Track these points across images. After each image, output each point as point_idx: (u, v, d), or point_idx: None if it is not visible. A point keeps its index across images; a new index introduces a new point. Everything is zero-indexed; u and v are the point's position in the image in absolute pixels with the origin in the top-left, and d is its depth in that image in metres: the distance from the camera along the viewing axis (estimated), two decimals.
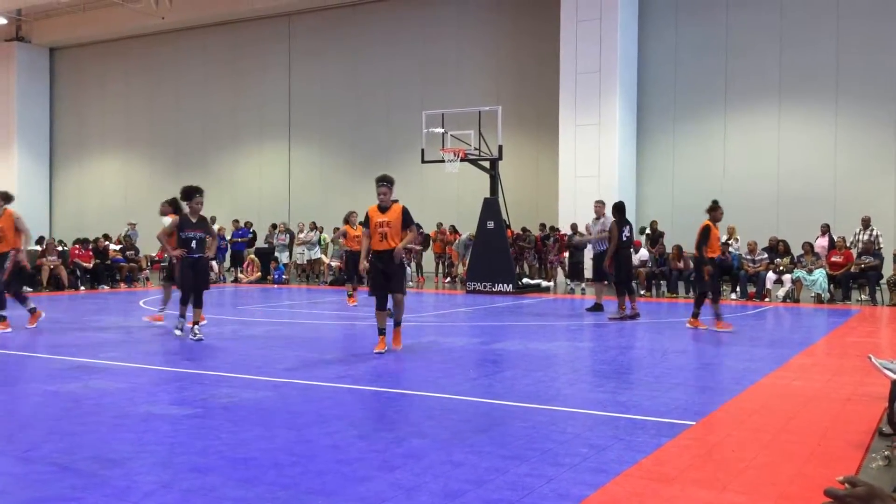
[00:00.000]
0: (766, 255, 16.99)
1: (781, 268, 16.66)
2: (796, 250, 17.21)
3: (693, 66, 21.85)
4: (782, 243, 17.30)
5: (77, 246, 20.00)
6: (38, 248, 20.79)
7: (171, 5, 27.97)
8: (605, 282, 13.63)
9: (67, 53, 32.70)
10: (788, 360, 8.30)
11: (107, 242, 21.83)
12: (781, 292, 16.36)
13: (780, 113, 20.93)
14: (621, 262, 12.74)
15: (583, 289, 18.73)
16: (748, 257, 17.03)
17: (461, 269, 20.73)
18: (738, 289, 17.01)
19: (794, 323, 12.88)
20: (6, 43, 31.51)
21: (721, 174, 21.48)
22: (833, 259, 16.34)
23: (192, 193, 9.85)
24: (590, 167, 21.52)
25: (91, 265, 19.74)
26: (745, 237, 17.78)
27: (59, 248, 20.39)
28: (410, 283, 20.84)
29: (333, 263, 21.82)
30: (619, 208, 12.87)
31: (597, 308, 13.70)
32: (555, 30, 22.29)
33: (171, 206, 11.23)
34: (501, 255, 18.06)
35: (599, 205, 13.94)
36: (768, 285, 16.57)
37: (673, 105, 22.14)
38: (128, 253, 21.54)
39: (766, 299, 16.38)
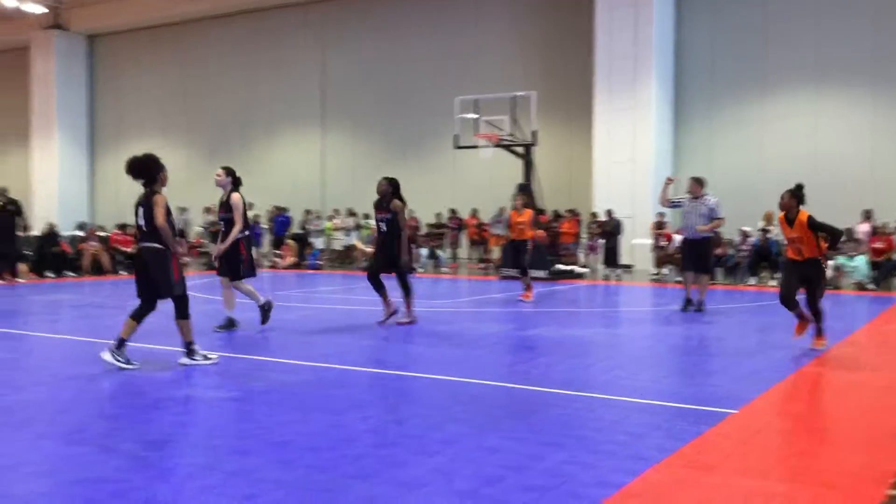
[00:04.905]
0: None
1: None
2: None
3: (730, 49, 21.50)
4: None
5: (117, 231, 20.32)
6: (80, 233, 21.18)
7: None
8: (709, 275, 11.87)
9: (105, 41, 33.09)
10: (829, 348, 8.17)
11: None
12: None
13: (817, 97, 20.54)
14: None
15: (618, 275, 18.61)
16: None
17: (497, 253, 20.62)
18: (777, 275, 16.76)
19: (835, 310, 12.64)
20: (45, 31, 31.97)
21: (759, 159, 21.15)
22: (875, 245, 16.02)
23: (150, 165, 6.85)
24: (625, 152, 21.32)
25: (132, 250, 20.06)
26: None
27: (100, 234, 20.73)
28: (445, 269, 20.87)
29: (368, 249, 21.91)
30: (396, 185, 9.98)
31: (690, 304, 11.38)
32: (590, 14, 22.06)
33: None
34: (535, 242, 17.92)
35: (696, 183, 11.36)
36: None
37: (710, 89, 21.82)
38: None
39: None
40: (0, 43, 33.50)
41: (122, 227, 20.75)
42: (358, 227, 23.19)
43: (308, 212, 24.38)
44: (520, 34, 24.76)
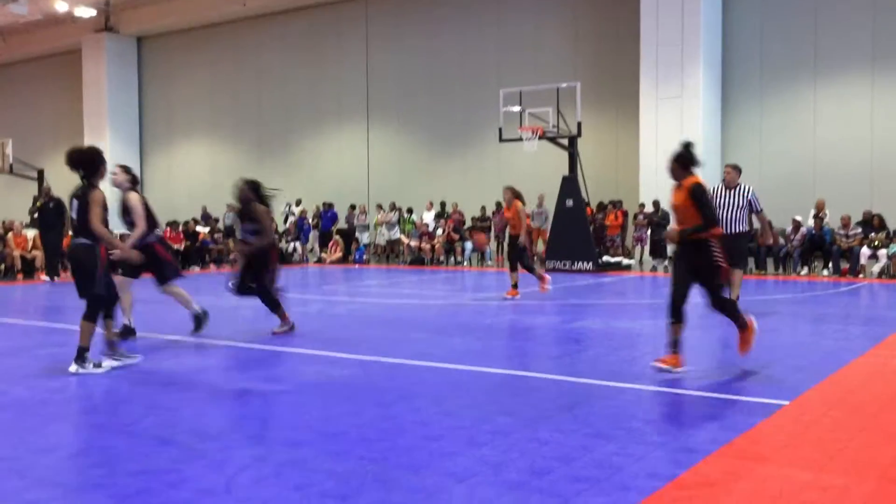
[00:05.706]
0: (860, 230, 16.34)
1: (876, 243, 16.00)
2: (892, 224, 16.47)
3: (780, 32, 21.03)
4: (877, 217, 16.61)
5: (168, 229, 20.77)
6: None
7: None
8: (740, 270, 10.00)
9: (154, 42, 33.70)
10: (885, 339, 7.98)
11: (197, 226, 22.69)
12: (877, 268, 15.73)
13: (873, 79, 19.95)
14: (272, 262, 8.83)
15: (665, 266, 18.38)
16: (841, 232, 16.41)
17: (542, 246, 20.55)
18: (830, 265, 16.41)
19: (891, 300, 12.35)
20: (96, 34, 32.67)
21: (811, 145, 20.66)
22: None
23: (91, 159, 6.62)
24: (672, 142, 20.78)
25: (182, 247, 20.61)
26: (839, 211, 17.10)
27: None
28: (489, 262, 20.84)
29: (412, 244, 22.00)
30: (256, 188, 8.74)
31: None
32: (635, 1, 21.78)
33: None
34: (581, 234, 17.86)
35: (734, 171, 9.84)
36: (862, 261, 15.93)
37: (759, 74, 21.38)
38: (215, 236, 22.37)
39: (861, 276, 15.76)
40: (53, 47, 34.33)
41: (173, 224, 21.25)
42: (400, 220, 23.31)
43: (353, 207, 24.57)
44: (564, 24, 24.55)
